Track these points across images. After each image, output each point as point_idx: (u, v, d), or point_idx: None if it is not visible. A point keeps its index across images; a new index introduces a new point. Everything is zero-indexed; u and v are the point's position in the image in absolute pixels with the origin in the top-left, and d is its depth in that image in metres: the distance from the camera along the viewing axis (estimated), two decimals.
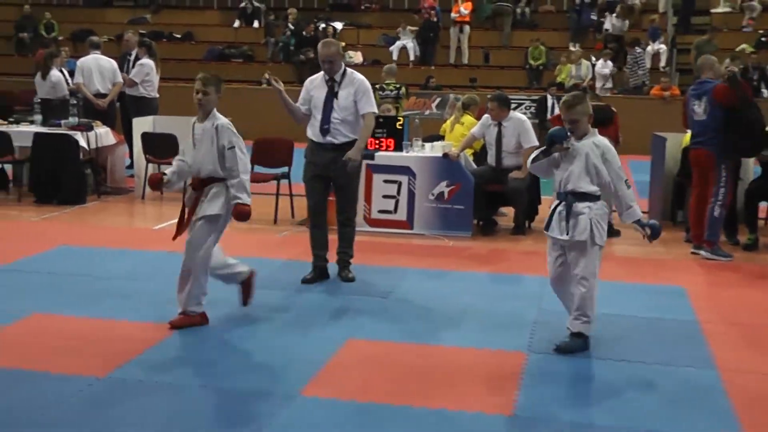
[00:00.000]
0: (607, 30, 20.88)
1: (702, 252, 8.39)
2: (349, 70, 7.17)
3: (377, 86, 12.97)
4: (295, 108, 7.14)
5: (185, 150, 6.00)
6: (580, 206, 5.41)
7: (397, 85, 13.70)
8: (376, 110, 7.33)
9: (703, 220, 8.38)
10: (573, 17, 21.86)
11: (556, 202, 5.54)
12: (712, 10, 21.84)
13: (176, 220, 6.04)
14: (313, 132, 7.11)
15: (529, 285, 7.32)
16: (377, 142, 9.39)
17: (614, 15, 20.74)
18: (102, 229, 9.27)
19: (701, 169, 8.44)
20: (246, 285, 6.24)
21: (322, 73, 7.12)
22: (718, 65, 8.77)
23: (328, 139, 7.02)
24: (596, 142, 5.46)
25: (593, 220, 5.39)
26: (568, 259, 5.51)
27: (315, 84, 7.14)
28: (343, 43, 21.81)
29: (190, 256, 5.84)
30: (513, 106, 9.63)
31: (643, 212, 10.40)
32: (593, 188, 5.42)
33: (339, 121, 7.01)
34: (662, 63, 20.25)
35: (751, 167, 9.60)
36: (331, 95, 7.02)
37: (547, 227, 5.57)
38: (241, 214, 5.75)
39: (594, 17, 21.23)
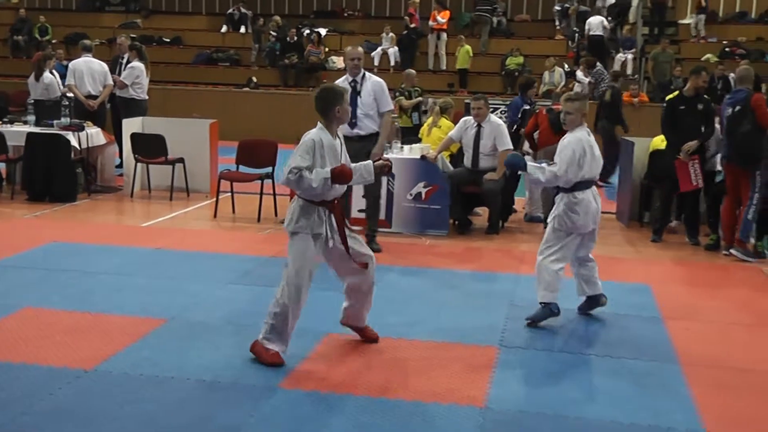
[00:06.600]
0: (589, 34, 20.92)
1: (734, 252, 8.70)
2: (367, 73, 8.51)
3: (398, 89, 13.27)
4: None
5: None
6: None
7: (413, 89, 13.52)
8: (392, 108, 8.54)
9: (734, 224, 8.72)
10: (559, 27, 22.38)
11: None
12: (680, 21, 22.63)
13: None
14: (342, 127, 7.73)
15: (502, 282, 7.55)
16: None
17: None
18: (92, 226, 9.41)
19: (735, 175, 8.76)
20: None
21: (344, 77, 8.40)
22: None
23: (355, 131, 8.27)
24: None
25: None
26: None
27: None
28: (327, 49, 22.16)
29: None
30: (490, 110, 9.85)
31: (612, 213, 10.80)
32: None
33: (363, 115, 8.30)
34: (629, 71, 20.52)
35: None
36: (355, 94, 8.26)
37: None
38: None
39: (576, 28, 21.47)
